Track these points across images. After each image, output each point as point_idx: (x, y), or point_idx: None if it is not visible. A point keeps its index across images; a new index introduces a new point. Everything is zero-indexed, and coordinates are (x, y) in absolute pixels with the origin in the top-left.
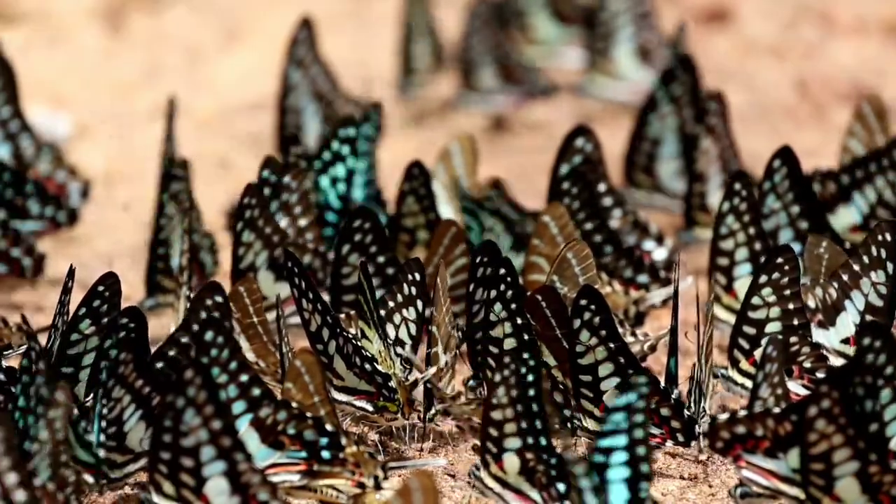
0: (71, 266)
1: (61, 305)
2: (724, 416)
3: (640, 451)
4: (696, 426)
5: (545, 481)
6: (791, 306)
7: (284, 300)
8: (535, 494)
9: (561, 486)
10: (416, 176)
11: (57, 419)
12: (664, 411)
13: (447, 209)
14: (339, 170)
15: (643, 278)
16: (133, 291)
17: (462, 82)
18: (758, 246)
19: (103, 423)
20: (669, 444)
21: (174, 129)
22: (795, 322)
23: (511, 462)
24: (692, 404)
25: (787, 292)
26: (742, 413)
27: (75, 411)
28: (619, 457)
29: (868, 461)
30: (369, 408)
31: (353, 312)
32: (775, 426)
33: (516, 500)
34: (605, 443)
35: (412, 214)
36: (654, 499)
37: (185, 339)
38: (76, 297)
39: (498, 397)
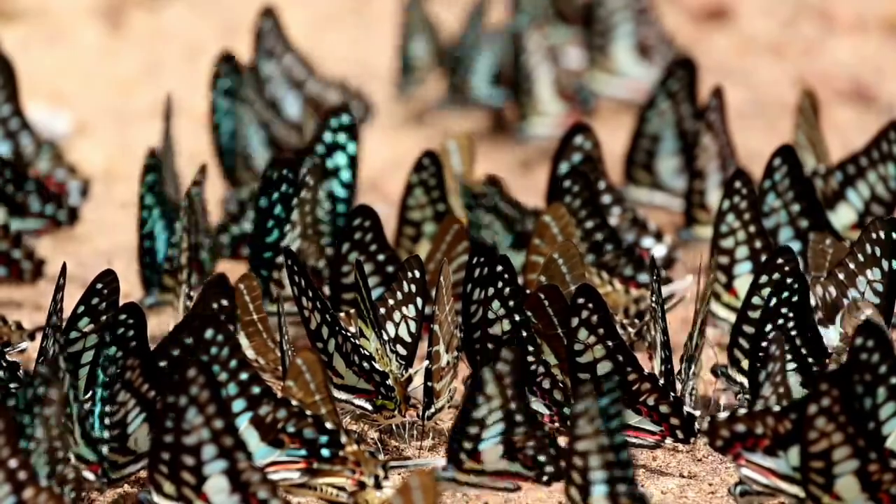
0: (63, 264)
1: (55, 303)
2: (723, 415)
3: (622, 454)
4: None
5: (531, 453)
6: None
7: (287, 299)
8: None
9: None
10: (427, 167)
11: (51, 416)
12: (663, 408)
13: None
14: (340, 159)
15: (643, 277)
16: (133, 289)
17: (453, 84)
18: (758, 244)
19: (106, 422)
20: (669, 441)
21: (170, 126)
22: None
23: (493, 450)
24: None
25: (786, 294)
26: (742, 411)
27: (86, 406)
28: (595, 461)
29: (868, 459)
30: (368, 406)
31: (352, 311)
32: (775, 424)
33: (497, 482)
34: (581, 446)
35: (419, 207)
36: (649, 497)
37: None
38: (77, 295)
39: (486, 393)
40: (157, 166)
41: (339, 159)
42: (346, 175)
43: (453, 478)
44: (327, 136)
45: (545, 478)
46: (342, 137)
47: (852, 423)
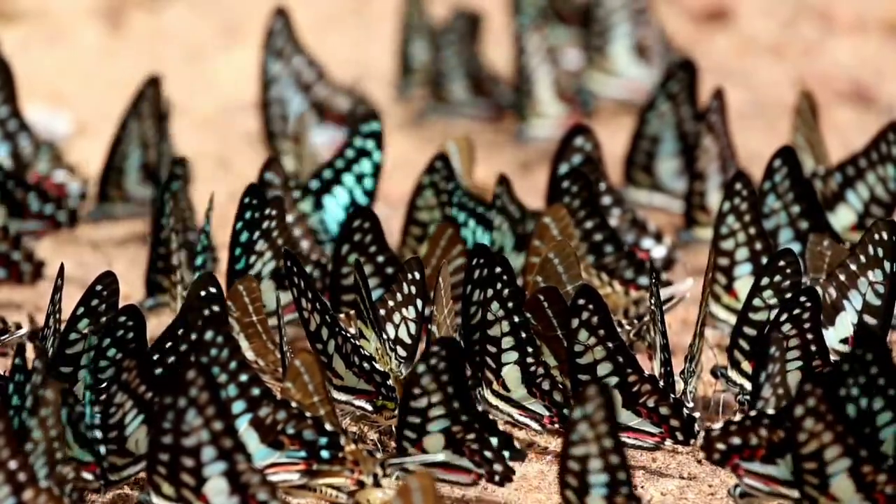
0: (61, 265)
1: (53, 305)
2: (717, 427)
3: (614, 459)
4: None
5: (475, 447)
6: None
7: (285, 306)
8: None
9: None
10: (439, 169)
11: (49, 416)
12: (663, 410)
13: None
14: (365, 166)
15: (643, 280)
16: (133, 291)
17: (432, 93)
18: (758, 246)
19: (99, 422)
20: (669, 442)
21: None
22: None
23: (435, 440)
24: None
25: (788, 295)
26: (735, 422)
27: (78, 409)
28: (595, 464)
29: (859, 458)
30: (368, 407)
31: (352, 312)
32: (770, 433)
33: (447, 474)
34: (578, 452)
35: (428, 208)
36: (647, 500)
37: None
38: (77, 297)
39: (423, 386)
40: (182, 175)
41: (365, 166)
42: (368, 183)
43: (402, 464)
44: (357, 141)
45: (496, 477)
46: (370, 144)
47: (840, 421)
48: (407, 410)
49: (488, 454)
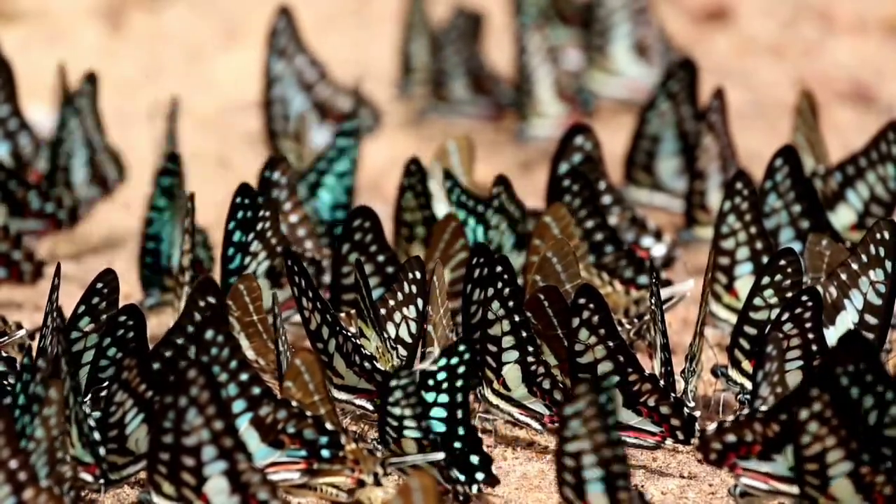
0: (58, 264)
1: (51, 304)
2: (711, 427)
3: (607, 453)
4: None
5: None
6: None
7: (283, 302)
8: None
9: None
10: (414, 172)
11: (51, 416)
12: (664, 409)
13: (443, 207)
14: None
15: (643, 279)
16: (133, 290)
17: (432, 92)
18: (759, 245)
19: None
20: (669, 442)
21: (176, 128)
22: None
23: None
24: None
25: (789, 294)
26: (729, 421)
27: (86, 409)
28: (589, 459)
29: (861, 462)
30: (369, 406)
31: (352, 311)
32: (764, 429)
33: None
34: (572, 447)
35: (410, 210)
36: (646, 497)
37: (180, 340)
38: (77, 296)
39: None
40: (175, 170)
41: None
42: (347, 181)
43: (402, 463)
44: (339, 141)
45: (459, 497)
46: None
47: (844, 426)
48: (385, 411)
49: (454, 473)
